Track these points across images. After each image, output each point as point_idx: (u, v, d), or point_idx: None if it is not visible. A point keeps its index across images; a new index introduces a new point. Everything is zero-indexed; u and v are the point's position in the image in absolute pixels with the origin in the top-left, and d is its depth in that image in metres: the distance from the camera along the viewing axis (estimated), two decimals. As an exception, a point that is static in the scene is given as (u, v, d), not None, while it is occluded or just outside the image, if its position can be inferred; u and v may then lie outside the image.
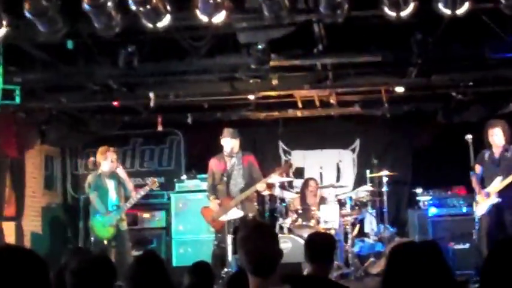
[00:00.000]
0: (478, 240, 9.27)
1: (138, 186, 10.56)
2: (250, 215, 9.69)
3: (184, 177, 12.25)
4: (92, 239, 9.88)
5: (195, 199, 11.61)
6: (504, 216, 9.00)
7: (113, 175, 10.03)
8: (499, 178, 9.07)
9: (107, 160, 9.94)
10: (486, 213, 9.14)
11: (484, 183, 9.35)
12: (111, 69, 9.21)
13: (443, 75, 10.10)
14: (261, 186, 9.74)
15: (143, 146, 13.44)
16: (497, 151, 9.25)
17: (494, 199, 9.05)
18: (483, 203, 9.17)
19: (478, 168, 9.43)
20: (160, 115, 12.25)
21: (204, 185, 11.39)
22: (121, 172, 10.11)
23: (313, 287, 4.38)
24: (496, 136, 9.17)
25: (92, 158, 10.50)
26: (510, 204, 9.02)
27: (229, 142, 9.79)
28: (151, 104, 10.51)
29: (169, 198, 12.05)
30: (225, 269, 9.12)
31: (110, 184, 9.99)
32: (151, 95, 10.40)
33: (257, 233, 3.34)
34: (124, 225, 9.95)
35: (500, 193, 9.02)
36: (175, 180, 12.18)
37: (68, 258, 4.91)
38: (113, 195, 9.95)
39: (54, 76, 9.61)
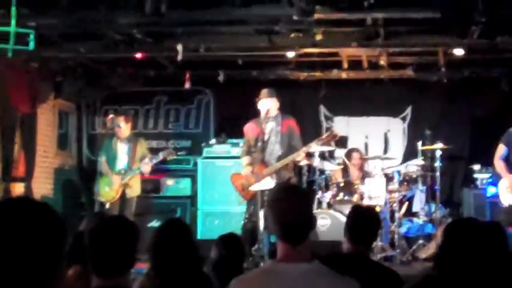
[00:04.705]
0: None
1: (159, 150, 10.67)
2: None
3: (213, 141, 12.20)
4: (98, 201, 10.18)
5: (224, 166, 11.56)
6: None
7: (130, 140, 10.29)
8: None
9: (115, 125, 10.28)
10: None
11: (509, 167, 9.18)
12: (135, 17, 9.09)
13: (510, 36, 9.91)
14: (299, 155, 9.61)
15: (168, 105, 13.39)
16: None
17: None
18: None
19: (502, 149, 9.27)
20: (188, 71, 12.20)
21: (235, 151, 11.40)
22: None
23: (351, 267, 4.32)
24: None
25: (110, 116, 10.55)
26: None
27: (266, 103, 9.57)
28: (179, 57, 10.40)
29: (195, 164, 12.03)
30: (256, 246, 9.08)
31: (122, 148, 10.23)
32: (179, 47, 10.29)
33: (289, 193, 3.30)
34: (131, 193, 10.08)
35: None
36: (203, 144, 12.15)
37: (89, 222, 4.88)
38: (123, 159, 10.17)
39: (72, 22, 9.52)
